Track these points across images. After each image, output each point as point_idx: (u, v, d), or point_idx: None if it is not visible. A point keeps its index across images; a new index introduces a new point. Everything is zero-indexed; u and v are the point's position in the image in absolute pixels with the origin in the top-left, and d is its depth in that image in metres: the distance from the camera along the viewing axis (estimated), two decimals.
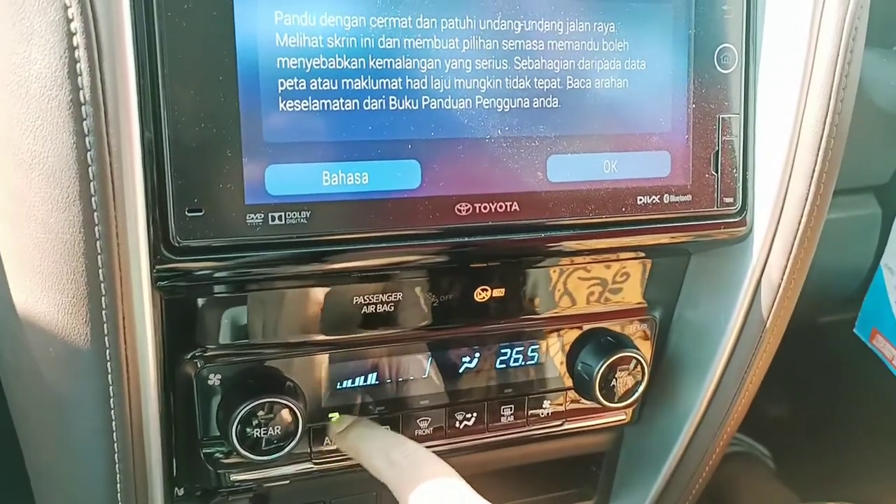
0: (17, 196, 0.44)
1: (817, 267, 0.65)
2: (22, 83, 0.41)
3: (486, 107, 0.53)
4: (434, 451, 0.64)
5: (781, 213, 0.61)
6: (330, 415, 0.61)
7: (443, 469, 0.53)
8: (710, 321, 0.67)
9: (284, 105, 0.49)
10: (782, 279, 0.63)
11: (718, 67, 0.59)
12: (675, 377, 0.72)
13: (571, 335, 0.67)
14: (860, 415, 1.09)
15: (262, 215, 0.49)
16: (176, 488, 0.59)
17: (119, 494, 0.52)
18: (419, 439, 0.64)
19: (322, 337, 0.59)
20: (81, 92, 0.41)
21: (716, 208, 0.60)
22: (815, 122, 0.59)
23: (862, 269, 0.91)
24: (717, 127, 0.59)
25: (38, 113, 0.41)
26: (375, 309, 0.59)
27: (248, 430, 0.54)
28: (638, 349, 0.65)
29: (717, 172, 0.60)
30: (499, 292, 0.62)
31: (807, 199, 0.60)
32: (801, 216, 0.61)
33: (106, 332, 0.46)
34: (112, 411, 0.49)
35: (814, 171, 0.60)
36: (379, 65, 0.50)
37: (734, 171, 0.60)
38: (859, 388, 1.08)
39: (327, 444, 0.61)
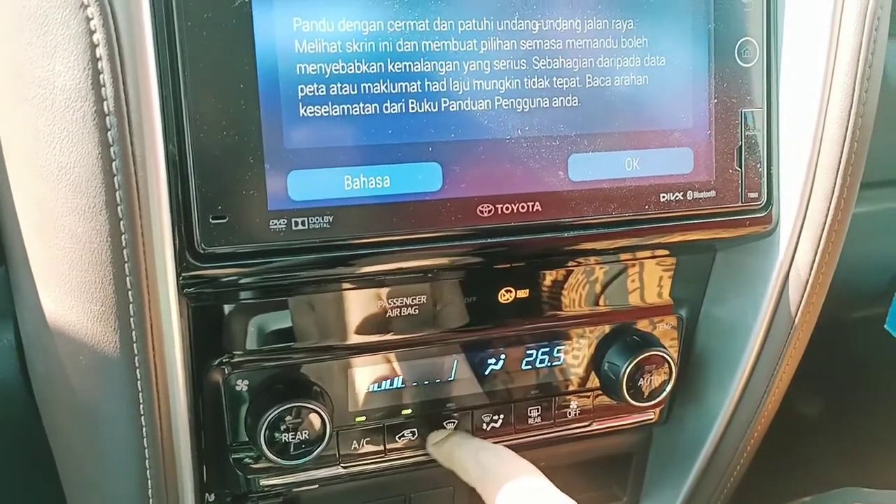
0: (45, 207, 0.45)
1: (846, 262, 0.64)
2: (47, 96, 0.42)
3: (506, 107, 0.53)
4: None
5: (808, 206, 0.60)
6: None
7: (526, 467, 0.55)
8: (738, 318, 0.67)
9: (305, 111, 0.49)
10: (810, 274, 0.62)
11: (739, 61, 0.58)
12: (703, 376, 0.71)
13: (597, 335, 0.66)
14: (892, 413, 1.07)
15: (286, 221, 0.49)
16: (206, 494, 0.60)
17: (151, 501, 0.53)
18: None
19: (347, 341, 0.59)
20: (105, 103, 0.42)
21: (740, 204, 0.60)
22: (840, 115, 0.58)
23: (892, 264, 0.89)
24: (740, 121, 0.59)
25: (64, 124, 0.42)
26: (400, 312, 0.59)
27: (276, 434, 0.55)
28: (665, 347, 0.65)
29: (740, 167, 0.59)
30: (523, 293, 0.62)
31: (833, 192, 0.59)
32: (828, 209, 0.60)
33: (134, 339, 0.47)
34: (142, 418, 0.49)
35: (839, 163, 0.59)
36: (398, 68, 0.50)
37: (758, 165, 0.60)
38: (891, 386, 1.06)
39: (355, 447, 0.62)
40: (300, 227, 0.50)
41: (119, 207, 0.43)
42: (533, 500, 0.52)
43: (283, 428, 0.55)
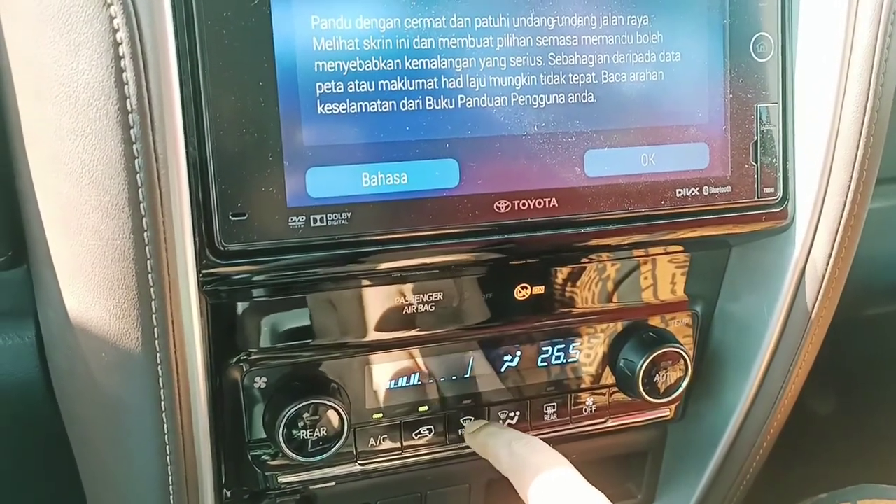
0: (69, 205, 0.45)
1: (862, 257, 0.64)
2: (70, 94, 0.42)
3: (522, 104, 0.53)
4: None
5: (824, 201, 0.60)
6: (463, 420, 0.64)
7: (558, 458, 0.55)
8: (754, 314, 0.67)
9: (323, 108, 0.49)
10: (826, 269, 0.62)
11: (755, 56, 0.58)
12: (718, 372, 0.71)
13: (613, 331, 0.66)
14: None
15: (304, 217, 0.50)
16: (224, 490, 0.60)
17: (172, 497, 0.53)
18: (462, 438, 0.64)
19: (364, 338, 0.59)
20: (128, 100, 0.42)
21: (756, 199, 0.60)
22: (856, 109, 0.58)
23: None
24: (756, 116, 0.59)
25: (87, 122, 0.42)
26: (416, 309, 0.59)
27: (294, 431, 0.55)
28: (680, 343, 0.65)
29: (756, 162, 0.59)
30: (539, 290, 0.62)
31: (849, 186, 0.59)
32: (845, 204, 0.60)
33: (156, 336, 0.47)
34: (164, 414, 0.50)
35: (855, 158, 0.59)
36: (414, 65, 0.51)
37: (774, 160, 0.60)
38: None
39: (372, 444, 0.62)
40: (318, 223, 0.50)
41: (142, 205, 0.44)
42: (563, 491, 0.52)
43: (300, 425, 0.55)
